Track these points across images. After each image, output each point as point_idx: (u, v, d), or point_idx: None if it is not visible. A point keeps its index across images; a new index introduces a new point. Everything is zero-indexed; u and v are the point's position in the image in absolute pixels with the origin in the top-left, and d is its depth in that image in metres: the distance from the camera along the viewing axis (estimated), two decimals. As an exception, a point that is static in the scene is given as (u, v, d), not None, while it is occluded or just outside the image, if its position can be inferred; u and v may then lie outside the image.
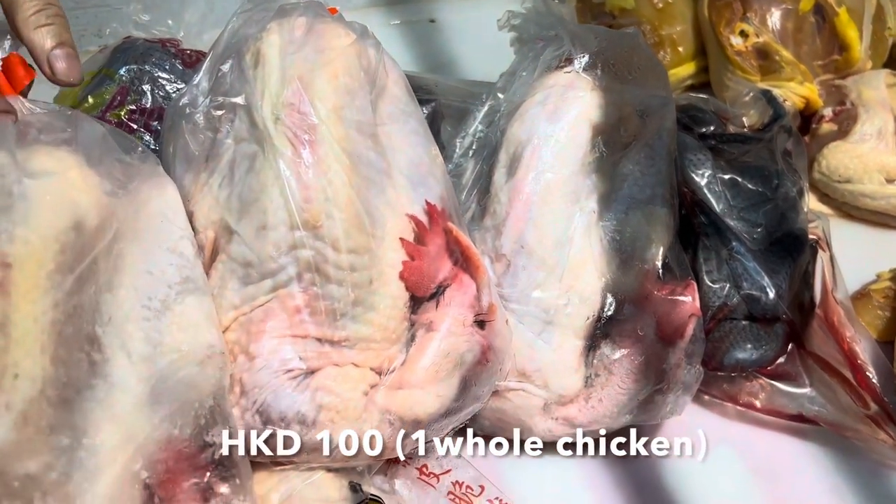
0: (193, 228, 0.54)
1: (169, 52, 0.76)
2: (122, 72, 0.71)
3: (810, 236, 0.75)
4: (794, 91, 0.88)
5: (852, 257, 0.76)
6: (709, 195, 0.74)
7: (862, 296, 0.76)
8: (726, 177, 0.75)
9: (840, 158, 0.84)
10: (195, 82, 0.57)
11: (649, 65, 0.71)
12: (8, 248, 0.41)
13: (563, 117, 0.66)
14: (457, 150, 0.75)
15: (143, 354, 0.46)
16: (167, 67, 0.74)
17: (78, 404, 0.43)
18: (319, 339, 0.53)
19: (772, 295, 0.68)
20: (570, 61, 0.68)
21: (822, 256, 0.74)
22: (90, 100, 0.71)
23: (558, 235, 0.65)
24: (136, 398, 0.45)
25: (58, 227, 0.43)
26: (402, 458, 0.57)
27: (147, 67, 0.71)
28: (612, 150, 0.68)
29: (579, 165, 0.66)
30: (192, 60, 0.76)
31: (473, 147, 0.75)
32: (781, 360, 0.69)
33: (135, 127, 0.70)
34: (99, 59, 0.74)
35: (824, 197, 0.87)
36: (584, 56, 0.67)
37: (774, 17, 0.90)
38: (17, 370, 0.40)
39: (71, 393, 0.42)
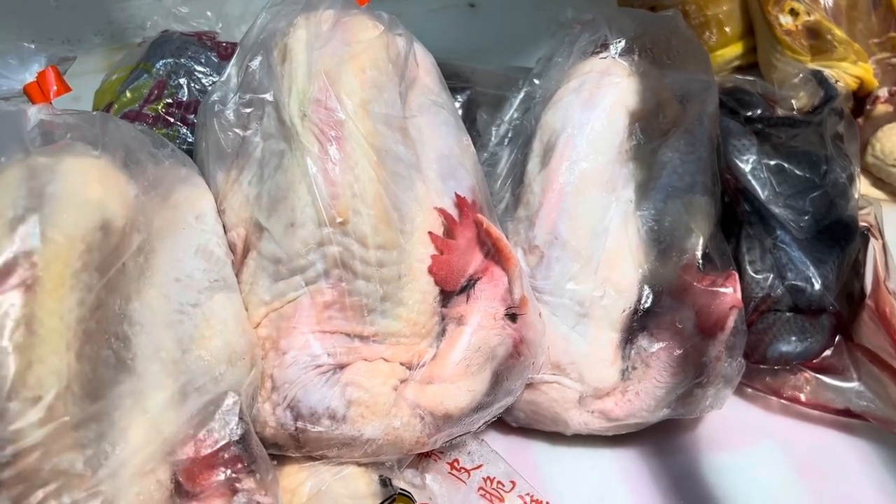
0: (225, 226, 0.55)
1: (205, 45, 0.77)
2: (158, 65, 0.72)
3: (861, 224, 0.72)
4: (848, 71, 0.84)
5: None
6: (753, 182, 0.71)
7: (916, 285, 0.73)
8: (772, 163, 0.73)
9: (893, 141, 0.80)
10: (224, 78, 0.57)
11: (690, 48, 0.69)
12: (36, 248, 0.42)
13: (598, 104, 0.65)
14: (492, 139, 0.74)
15: (172, 355, 0.47)
16: (203, 60, 0.74)
17: (105, 400, 0.44)
18: (349, 335, 0.53)
19: (817, 286, 0.65)
20: (606, 46, 0.66)
21: (873, 244, 0.72)
22: (128, 94, 0.72)
23: (593, 226, 0.64)
24: (164, 395, 0.46)
25: (84, 227, 0.44)
26: (432, 452, 0.57)
27: (183, 61, 0.72)
28: (651, 137, 0.66)
29: (616, 154, 0.65)
30: (227, 53, 0.76)
31: (509, 135, 0.74)
32: (828, 352, 0.67)
33: (172, 120, 0.71)
34: (137, 54, 0.75)
35: (878, 182, 0.83)
36: (620, 41, 0.66)
37: (827, -6, 0.86)
38: (42, 366, 0.41)
39: (97, 389, 0.43)
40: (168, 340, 0.47)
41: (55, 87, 0.52)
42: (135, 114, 0.71)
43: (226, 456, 0.46)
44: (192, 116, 0.70)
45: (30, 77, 0.52)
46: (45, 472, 0.41)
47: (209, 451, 0.46)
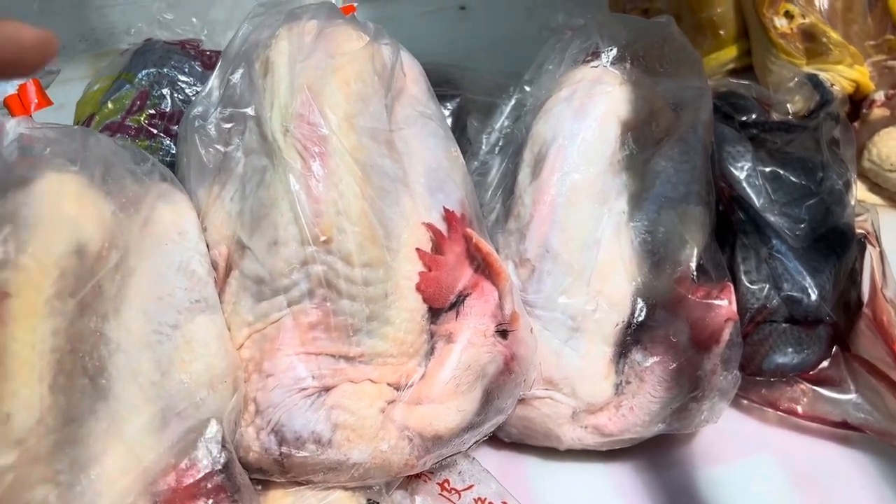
0: (207, 244, 0.53)
1: (189, 54, 0.75)
2: (141, 76, 0.71)
3: (858, 230, 0.71)
4: (843, 74, 0.83)
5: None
6: (748, 190, 0.70)
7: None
8: (767, 169, 0.72)
9: (892, 145, 0.79)
10: (206, 92, 0.56)
11: (683, 54, 0.68)
12: (8, 276, 0.40)
13: (589, 114, 0.63)
14: (483, 147, 0.73)
15: (151, 379, 0.45)
16: (186, 70, 0.73)
17: (80, 430, 0.43)
18: (334, 356, 0.52)
19: (814, 296, 0.64)
20: (597, 54, 0.65)
21: (870, 252, 0.70)
22: (110, 105, 0.70)
23: (585, 238, 0.62)
24: (143, 422, 0.44)
25: (58, 252, 0.43)
26: (422, 473, 0.56)
27: (166, 70, 0.70)
28: (643, 146, 0.65)
29: (607, 164, 0.64)
30: (212, 62, 0.74)
31: (500, 144, 0.72)
32: (824, 364, 0.66)
33: (155, 132, 0.69)
34: (119, 63, 0.73)
35: (875, 186, 0.82)
36: (612, 49, 0.64)
37: (822, -4, 0.85)
38: (14, 400, 0.40)
39: (72, 419, 0.42)
40: (146, 362, 0.46)
41: (36, 101, 0.50)
42: (117, 125, 0.69)
43: (208, 486, 0.44)
44: (175, 127, 0.68)
45: (11, 89, 0.51)
46: None
47: (191, 480, 0.44)
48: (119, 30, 1.07)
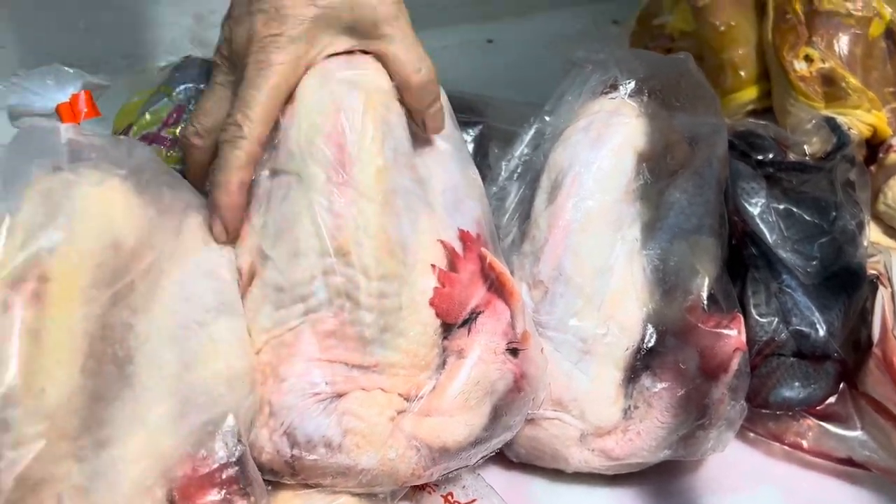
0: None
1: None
2: (179, 90, 0.74)
3: (870, 271, 0.72)
4: (861, 119, 0.84)
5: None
6: (761, 225, 0.72)
7: (926, 338, 0.72)
8: (781, 207, 0.73)
9: (904, 189, 0.80)
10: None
11: (699, 90, 0.70)
12: (48, 262, 0.44)
13: (606, 144, 0.65)
14: (502, 173, 0.75)
15: (173, 371, 0.48)
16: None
17: (105, 413, 0.45)
18: (348, 364, 0.54)
19: (822, 332, 0.65)
20: (616, 87, 0.67)
21: (882, 293, 0.71)
22: (147, 117, 0.74)
23: (598, 263, 0.64)
24: (164, 412, 0.47)
25: (97, 245, 0.46)
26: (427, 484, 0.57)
27: (202, 87, 0.73)
28: (658, 177, 0.67)
29: (622, 193, 0.65)
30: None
31: (518, 170, 0.74)
32: (831, 400, 0.66)
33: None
34: (158, 78, 0.76)
35: (889, 230, 0.83)
36: (630, 82, 0.66)
37: (842, 42, 0.86)
38: (46, 376, 0.42)
39: (98, 402, 0.44)
40: (171, 356, 0.48)
41: (85, 110, 0.54)
42: (153, 136, 0.72)
43: (222, 476, 0.46)
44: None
45: (63, 98, 0.55)
46: (43, 480, 0.42)
47: (206, 470, 0.46)
48: (160, 48, 1.12)
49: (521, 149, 0.75)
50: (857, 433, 0.65)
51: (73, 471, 0.43)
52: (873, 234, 0.78)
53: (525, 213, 0.68)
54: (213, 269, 0.53)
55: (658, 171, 0.66)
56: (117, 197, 0.49)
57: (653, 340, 0.63)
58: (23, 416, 0.41)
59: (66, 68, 0.55)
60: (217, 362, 0.49)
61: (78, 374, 0.44)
